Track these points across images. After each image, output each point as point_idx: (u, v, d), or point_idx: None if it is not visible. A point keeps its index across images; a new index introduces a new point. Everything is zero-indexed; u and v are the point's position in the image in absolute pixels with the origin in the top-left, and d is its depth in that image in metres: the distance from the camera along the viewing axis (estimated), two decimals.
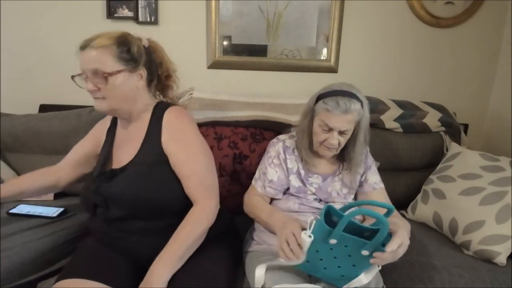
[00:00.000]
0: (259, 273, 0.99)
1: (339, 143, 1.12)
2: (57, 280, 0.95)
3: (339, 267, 0.92)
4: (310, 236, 0.87)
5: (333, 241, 0.86)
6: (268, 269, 1.01)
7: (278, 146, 1.23)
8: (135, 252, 1.02)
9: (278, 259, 0.96)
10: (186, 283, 0.92)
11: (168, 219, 1.02)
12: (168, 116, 1.06)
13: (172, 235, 0.96)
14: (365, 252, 0.86)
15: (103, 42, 0.98)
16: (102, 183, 1.01)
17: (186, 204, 1.02)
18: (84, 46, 0.98)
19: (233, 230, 1.24)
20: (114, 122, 1.18)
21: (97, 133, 1.20)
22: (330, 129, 1.09)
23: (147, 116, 1.08)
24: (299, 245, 0.90)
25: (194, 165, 1.03)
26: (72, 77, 1.02)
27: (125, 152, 1.07)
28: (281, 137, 1.28)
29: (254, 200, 1.21)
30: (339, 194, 1.20)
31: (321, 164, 1.22)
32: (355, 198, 1.25)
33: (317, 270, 0.96)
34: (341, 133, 1.10)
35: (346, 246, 0.87)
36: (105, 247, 1.05)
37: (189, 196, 1.03)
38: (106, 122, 1.20)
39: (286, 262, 0.93)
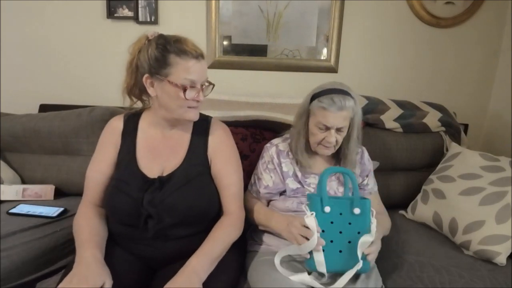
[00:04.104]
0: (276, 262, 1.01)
1: (336, 141, 1.13)
2: (63, 275, 0.92)
3: (340, 251, 0.97)
4: (312, 214, 0.96)
5: (327, 208, 0.98)
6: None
7: (271, 151, 1.24)
8: (155, 256, 1.01)
9: (294, 248, 1.00)
10: None
11: (205, 224, 1.05)
12: (218, 129, 1.14)
13: (207, 238, 0.99)
14: (356, 210, 0.98)
15: None
16: (155, 193, 0.99)
17: (218, 212, 1.09)
18: (201, 55, 0.99)
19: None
20: (129, 126, 1.11)
21: (109, 151, 1.09)
22: (327, 128, 1.11)
23: (188, 124, 1.11)
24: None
25: (234, 176, 1.11)
26: (184, 90, 0.96)
27: (162, 159, 1.06)
28: (275, 141, 1.28)
29: (251, 204, 1.22)
30: (336, 193, 1.20)
31: (317, 164, 1.23)
32: None
33: (330, 260, 0.97)
34: (337, 130, 1.11)
35: (341, 213, 0.99)
36: (120, 248, 1.02)
37: (224, 204, 1.09)
38: (112, 130, 1.11)
39: (303, 249, 0.95)
